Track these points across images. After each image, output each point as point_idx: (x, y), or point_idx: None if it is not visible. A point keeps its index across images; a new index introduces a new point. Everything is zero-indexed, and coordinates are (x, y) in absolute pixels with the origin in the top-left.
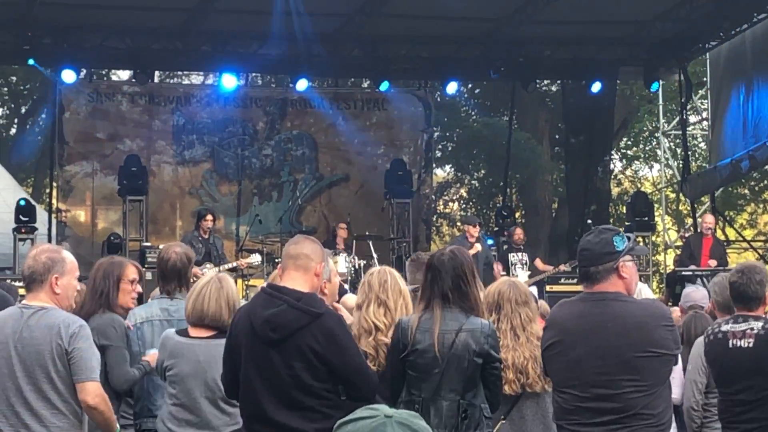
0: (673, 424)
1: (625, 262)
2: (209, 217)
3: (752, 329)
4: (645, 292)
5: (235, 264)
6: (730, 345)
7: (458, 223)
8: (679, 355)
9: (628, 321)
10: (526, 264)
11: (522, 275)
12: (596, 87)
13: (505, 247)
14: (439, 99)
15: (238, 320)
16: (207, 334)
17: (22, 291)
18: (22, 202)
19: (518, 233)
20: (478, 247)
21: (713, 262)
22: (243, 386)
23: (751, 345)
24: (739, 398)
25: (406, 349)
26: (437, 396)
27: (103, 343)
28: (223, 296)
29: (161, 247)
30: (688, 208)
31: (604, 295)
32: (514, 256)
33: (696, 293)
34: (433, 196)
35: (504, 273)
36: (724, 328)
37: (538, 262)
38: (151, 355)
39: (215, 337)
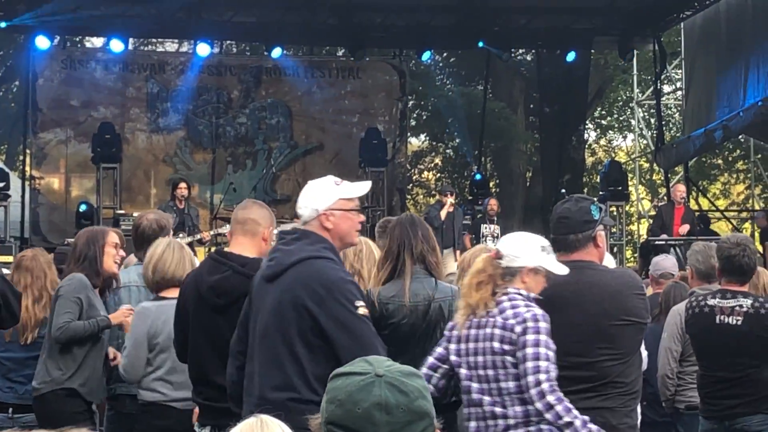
0: None
1: (599, 232)
2: (182, 185)
3: (741, 306)
4: (608, 260)
5: (200, 236)
6: (717, 321)
7: (434, 194)
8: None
9: (603, 290)
10: (497, 237)
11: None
12: (571, 56)
13: (479, 216)
14: (413, 67)
15: (186, 286)
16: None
17: (2, 258)
18: None
19: (492, 204)
20: (442, 214)
21: (685, 228)
22: (190, 350)
23: (739, 323)
24: (722, 375)
25: (378, 323)
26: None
27: (54, 296)
28: (186, 257)
29: (135, 214)
30: (662, 177)
31: (578, 264)
32: (486, 228)
33: (666, 261)
34: (408, 165)
35: (475, 243)
36: (711, 302)
37: None
38: (120, 312)
39: None
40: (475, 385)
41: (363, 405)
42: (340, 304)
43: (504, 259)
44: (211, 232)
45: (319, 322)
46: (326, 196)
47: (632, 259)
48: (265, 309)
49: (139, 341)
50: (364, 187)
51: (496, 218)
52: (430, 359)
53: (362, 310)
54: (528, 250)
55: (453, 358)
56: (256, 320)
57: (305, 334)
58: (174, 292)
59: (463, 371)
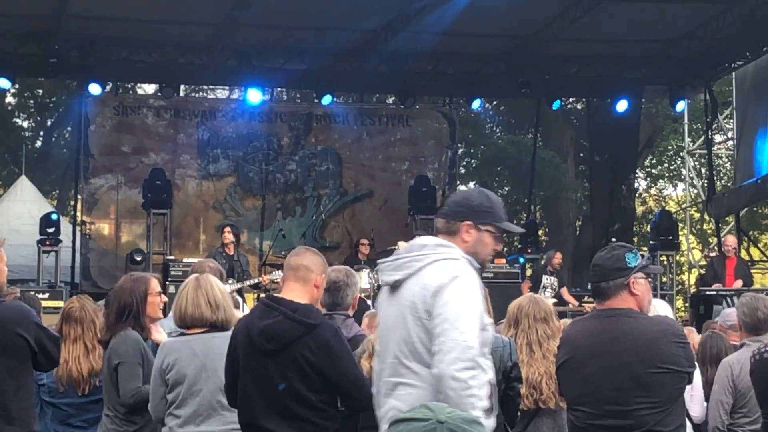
0: None
1: (636, 279)
2: (227, 229)
3: None
4: (663, 308)
5: (257, 280)
6: None
7: None
8: (698, 373)
9: (638, 337)
10: (555, 289)
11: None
12: (621, 105)
13: (542, 264)
14: (463, 115)
15: (237, 331)
16: (200, 330)
17: (45, 303)
18: (47, 215)
19: (558, 257)
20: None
21: (739, 283)
22: (240, 395)
23: None
24: None
25: None
26: None
27: (115, 361)
28: (202, 295)
29: (196, 260)
30: (713, 227)
31: (614, 312)
32: (547, 279)
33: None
34: None
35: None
36: None
37: (564, 291)
38: None
39: (209, 332)
40: None
41: None
42: None
43: None
44: (269, 277)
45: None
46: None
47: (683, 308)
48: None
49: (154, 376)
50: None
51: (557, 271)
52: None
53: None
54: None
55: None
56: None
57: None
58: (194, 330)
59: None
